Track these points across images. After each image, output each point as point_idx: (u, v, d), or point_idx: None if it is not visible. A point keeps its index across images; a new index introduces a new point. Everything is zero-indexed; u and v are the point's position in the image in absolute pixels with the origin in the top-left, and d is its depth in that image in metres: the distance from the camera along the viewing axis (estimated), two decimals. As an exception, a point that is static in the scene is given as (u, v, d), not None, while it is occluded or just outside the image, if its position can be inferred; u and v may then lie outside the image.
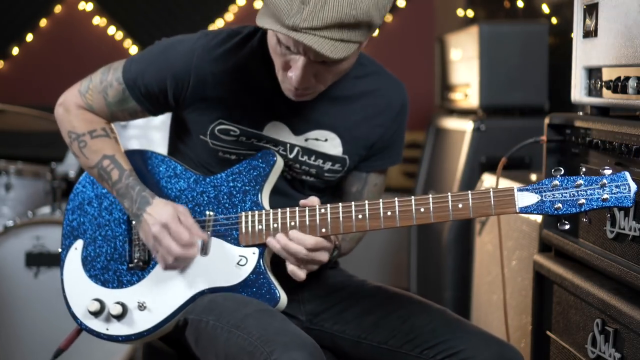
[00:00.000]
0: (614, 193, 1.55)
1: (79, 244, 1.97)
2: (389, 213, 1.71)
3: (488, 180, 2.92)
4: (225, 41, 1.88)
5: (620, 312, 1.70)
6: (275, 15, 1.60)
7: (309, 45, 1.59)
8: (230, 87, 1.86)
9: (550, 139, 2.11)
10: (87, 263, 1.95)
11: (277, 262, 1.87)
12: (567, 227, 1.61)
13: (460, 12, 4.68)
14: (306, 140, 1.91)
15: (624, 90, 1.80)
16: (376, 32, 5.31)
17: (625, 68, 1.80)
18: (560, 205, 1.59)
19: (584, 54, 1.98)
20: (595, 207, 1.57)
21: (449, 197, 1.66)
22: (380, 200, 1.72)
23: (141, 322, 1.87)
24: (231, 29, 1.92)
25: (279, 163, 1.89)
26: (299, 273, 1.76)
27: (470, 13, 4.60)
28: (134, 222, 1.92)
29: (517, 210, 1.61)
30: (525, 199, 1.61)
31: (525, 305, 2.47)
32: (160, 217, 1.82)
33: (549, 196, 1.60)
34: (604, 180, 1.56)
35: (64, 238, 1.99)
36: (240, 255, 1.84)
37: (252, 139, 1.89)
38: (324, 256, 1.76)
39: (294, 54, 1.68)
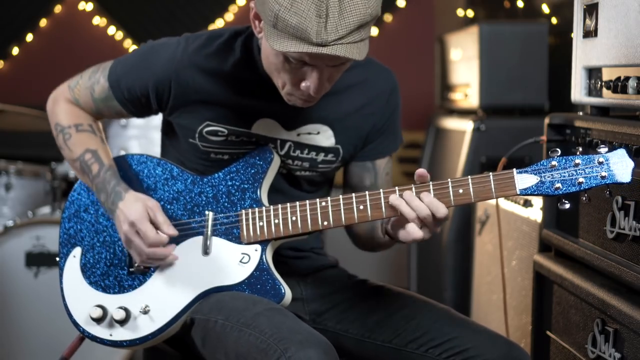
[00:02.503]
0: (612, 170, 1.57)
1: (77, 251, 1.96)
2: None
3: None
4: (206, 45, 1.88)
5: (620, 312, 1.70)
6: (296, 36, 1.60)
7: (341, 56, 1.60)
8: (214, 90, 1.87)
9: (550, 139, 2.11)
10: (87, 270, 1.94)
11: (278, 261, 1.87)
12: (567, 206, 1.62)
13: (460, 12, 4.68)
14: (298, 135, 1.91)
15: (624, 90, 1.80)
16: (376, 32, 5.31)
17: (625, 68, 1.80)
18: (559, 185, 1.60)
19: (584, 54, 1.98)
20: (594, 185, 1.58)
21: (449, 183, 1.67)
22: (381, 190, 1.72)
23: (145, 326, 1.86)
24: (212, 31, 1.93)
25: (276, 159, 1.89)
26: (418, 233, 1.68)
27: (470, 13, 4.60)
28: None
29: (518, 192, 1.62)
30: (525, 180, 1.62)
31: (525, 305, 2.47)
32: (129, 214, 1.84)
33: (548, 177, 1.61)
34: (602, 158, 1.57)
35: (61, 247, 1.98)
36: (242, 253, 1.84)
37: (241, 137, 1.89)
38: (440, 227, 1.71)
39: (307, 66, 1.68)
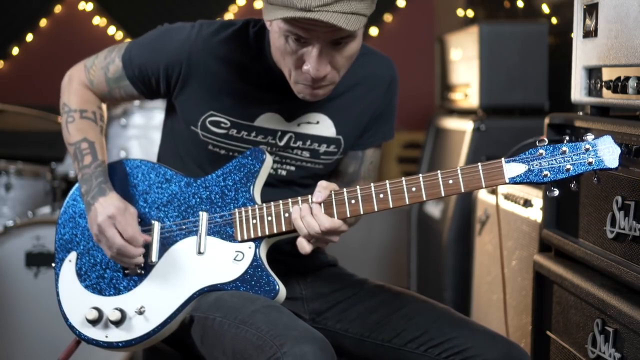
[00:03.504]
0: (599, 156, 1.59)
1: (72, 256, 1.96)
2: (381, 195, 1.73)
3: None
4: (219, 31, 1.90)
5: (620, 312, 1.70)
6: (284, 4, 1.63)
7: (325, 21, 1.60)
8: (223, 78, 1.88)
9: (550, 139, 2.10)
10: (82, 274, 1.94)
11: (277, 260, 1.88)
12: (556, 193, 1.64)
13: (460, 12, 4.68)
14: (298, 125, 1.92)
15: (624, 90, 1.80)
16: (376, 32, 5.30)
17: (625, 68, 1.80)
18: (547, 172, 1.62)
19: (584, 54, 1.98)
20: (582, 171, 1.60)
21: (439, 174, 1.69)
22: (372, 184, 1.73)
23: (141, 326, 1.86)
24: (225, 20, 1.95)
25: (268, 160, 1.90)
26: (306, 247, 1.76)
27: (470, 13, 4.60)
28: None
29: (507, 181, 1.64)
30: (513, 169, 1.64)
31: (525, 305, 2.47)
32: (109, 208, 1.86)
33: (536, 165, 1.63)
34: (588, 145, 1.60)
35: (57, 252, 1.98)
36: (236, 251, 1.84)
37: (242, 132, 1.90)
38: (335, 238, 1.77)
39: (305, 46, 1.70)
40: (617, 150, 1.58)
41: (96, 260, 1.94)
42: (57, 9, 5.05)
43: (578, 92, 2.01)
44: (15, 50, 5.05)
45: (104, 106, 2.07)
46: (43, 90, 4.73)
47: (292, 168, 1.96)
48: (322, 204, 1.75)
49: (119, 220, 1.85)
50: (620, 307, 1.71)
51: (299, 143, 1.93)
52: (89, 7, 5.04)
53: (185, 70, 1.89)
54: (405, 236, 4.12)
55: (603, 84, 1.90)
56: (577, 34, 2.01)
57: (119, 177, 1.97)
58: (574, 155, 1.60)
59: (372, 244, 4.45)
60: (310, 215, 1.74)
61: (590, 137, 1.60)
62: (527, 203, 2.54)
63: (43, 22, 5.05)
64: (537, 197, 2.48)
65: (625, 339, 1.71)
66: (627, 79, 1.79)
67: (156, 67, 1.91)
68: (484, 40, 3.36)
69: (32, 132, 4.17)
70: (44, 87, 4.86)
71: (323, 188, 1.76)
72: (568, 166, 1.60)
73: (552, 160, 1.62)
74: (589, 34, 1.94)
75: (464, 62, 3.58)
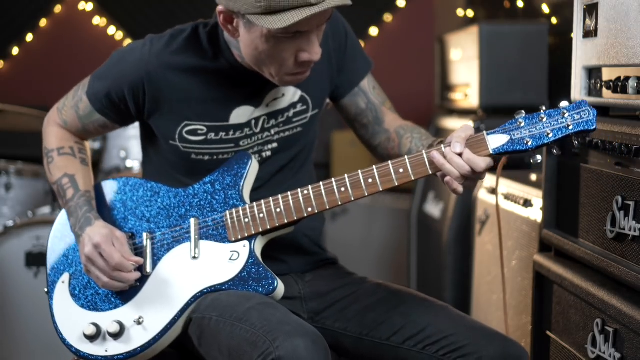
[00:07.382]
0: (576, 120, 1.66)
1: (65, 277, 1.97)
2: (370, 180, 1.76)
3: (488, 180, 2.92)
4: (170, 43, 1.91)
5: (620, 312, 1.70)
6: (296, 6, 1.63)
7: (343, 4, 1.65)
8: (186, 87, 1.89)
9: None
10: (77, 294, 1.94)
11: (276, 259, 1.89)
12: (539, 159, 1.69)
13: (460, 12, 4.68)
14: (267, 105, 1.94)
15: (624, 90, 1.80)
16: (376, 32, 5.30)
17: (625, 68, 1.80)
18: (529, 140, 1.68)
19: (584, 54, 1.98)
20: (562, 134, 1.67)
21: (424, 153, 1.73)
22: (360, 170, 1.76)
23: (140, 336, 1.86)
24: (174, 28, 1.97)
25: (254, 164, 1.92)
26: (459, 188, 1.72)
27: (470, 13, 4.60)
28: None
29: (491, 152, 1.69)
30: (496, 140, 1.70)
31: (525, 305, 2.47)
32: (94, 237, 1.86)
33: (517, 134, 1.69)
34: (564, 111, 1.67)
35: (48, 276, 1.98)
36: (231, 251, 1.85)
37: (220, 133, 1.91)
38: (484, 175, 1.75)
39: (298, 38, 1.71)
40: (593, 112, 1.65)
41: (90, 279, 1.94)
42: (57, 9, 5.05)
43: (578, 92, 2.01)
44: (15, 50, 5.06)
45: (85, 143, 2.09)
46: (43, 90, 4.73)
47: (275, 145, 1.97)
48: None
49: (104, 248, 1.85)
50: (620, 307, 1.71)
51: (272, 122, 1.95)
52: (89, 7, 5.04)
53: (148, 89, 1.89)
54: (405, 236, 4.12)
55: (603, 84, 1.90)
56: (577, 34, 2.01)
57: (107, 197, 1.99)
58: (552, 120, 1.67)
59: (372, 243, 4.45)
60: (457, 157, 1.69)
61: (565, 103, 1.67)
62: (527, 203, 2.54)
63: (43, 22, 5.06)
64: (537, 197, 2.48)
65: (625, 339, 1.71)
66: (627, 79, 1.79)
67: (121, 92, 1.92)
68: (484, 40, 3.36)
69: (32, 132, 4.16)
70: (44, 87, 4.86)
71: (461, 138, 1.71)
72: (548, 131, 1.67)
73: (532, 128, 1.68)
74: (589, 34, 1.94)
75: (464, 62, 3.58)
